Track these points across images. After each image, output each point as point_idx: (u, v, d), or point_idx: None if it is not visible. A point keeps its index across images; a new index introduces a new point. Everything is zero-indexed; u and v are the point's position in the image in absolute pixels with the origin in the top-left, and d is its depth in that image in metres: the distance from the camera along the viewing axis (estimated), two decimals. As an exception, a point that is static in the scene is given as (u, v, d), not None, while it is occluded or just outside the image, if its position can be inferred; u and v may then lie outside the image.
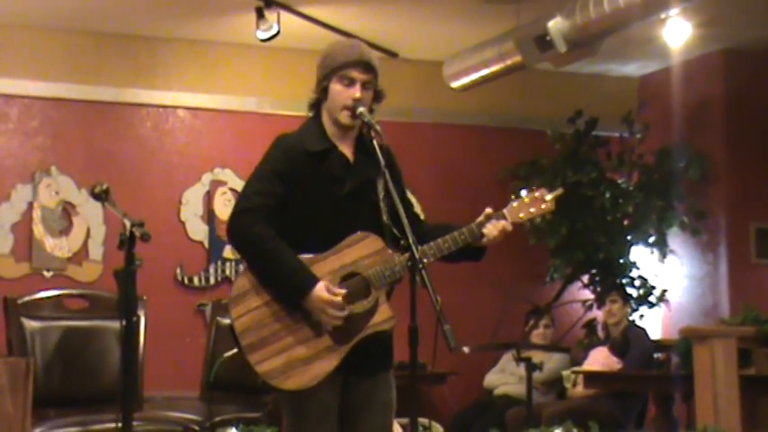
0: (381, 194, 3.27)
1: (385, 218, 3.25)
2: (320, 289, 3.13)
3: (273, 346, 3.15)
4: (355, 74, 3.25)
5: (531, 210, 3.32)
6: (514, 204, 3.33)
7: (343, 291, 3.16)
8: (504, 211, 3.31)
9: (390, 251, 3.22)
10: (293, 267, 3.15)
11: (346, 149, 3.32)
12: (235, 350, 3.22)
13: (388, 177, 3.19)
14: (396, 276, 3.19)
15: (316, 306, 3.13)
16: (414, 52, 7.45)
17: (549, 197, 3.33)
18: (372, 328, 3.19)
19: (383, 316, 3.20)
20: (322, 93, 3.30)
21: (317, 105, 3.35)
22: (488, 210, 3.31)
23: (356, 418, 3.28)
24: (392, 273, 3.18)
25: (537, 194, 3.34)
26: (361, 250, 3.21)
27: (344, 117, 3.26)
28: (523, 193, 3.36)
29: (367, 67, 3.27)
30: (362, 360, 3.20)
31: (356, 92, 3.24)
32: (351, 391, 3.26)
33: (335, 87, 3.26)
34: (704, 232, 7.48)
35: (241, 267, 6.80)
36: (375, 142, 3.25)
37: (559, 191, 3.38)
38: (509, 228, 3.28)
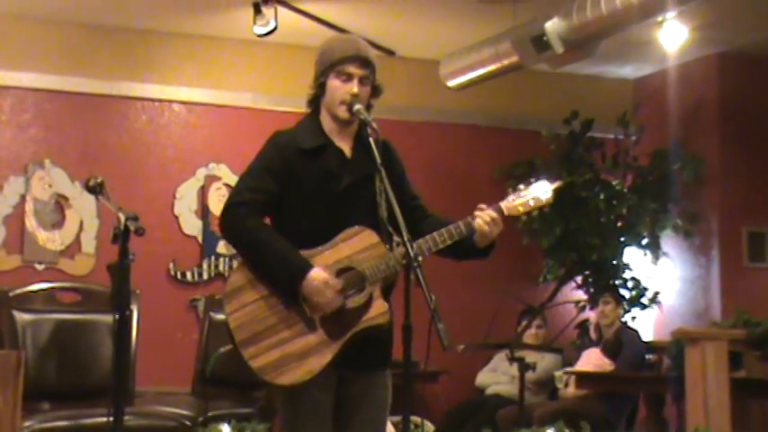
0: (378, 190, 3.26)
1: (382, 212, 3.24)
2: (317, 271, 3.13)
3: (267, 342, 3.14)
4: (353, 69, 3.24)
5: (530, 202, 3.31)
6: (512, 197, 3.32)
7: (340, 282, 3.15)
8: (502, 203, 3.30)
9: (385, 246, 3.22)
10: (287, 254, 3.15)
11: (344, 145, 3.31)
12: (230, 346, 3.22)
13: (384, 174, 3.17)
14: (391, 271, 3.18)
15: (313, 289, 3.12)
16: (411, 51, 7.44)
17: (547, 189, 3.32)
18: (366, 323, 3.18)
19: (377, 310, 3.19)
20: (320, 88, 3.29)
21: (314, 101, 3.34)
22: (482, 205, 3.29)
23: (350, 414, 3.27)
24: (387, 267, 3.18)
25: (534, 186, 3.33)
26: (357, 244, 3.20)
27: (342, 112, 3.26)
28: (522, 186, 3.34)
29: (365, 62, 3.26)
30: (358, 356, 3.20)
31: (354, 87, 3.23)
32: (346, 386, 3.26)
33: (333, 83, 3.26)
34: (697, 235, 7.49)
35: (235, 263, 6.83)
36: (371, 139, 3.24)
37: (559, 183, 3.35)
38: (494, 214, 3.23)
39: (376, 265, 3.18)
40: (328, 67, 3.26)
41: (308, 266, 3.13)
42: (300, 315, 3.16)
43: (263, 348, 3.14)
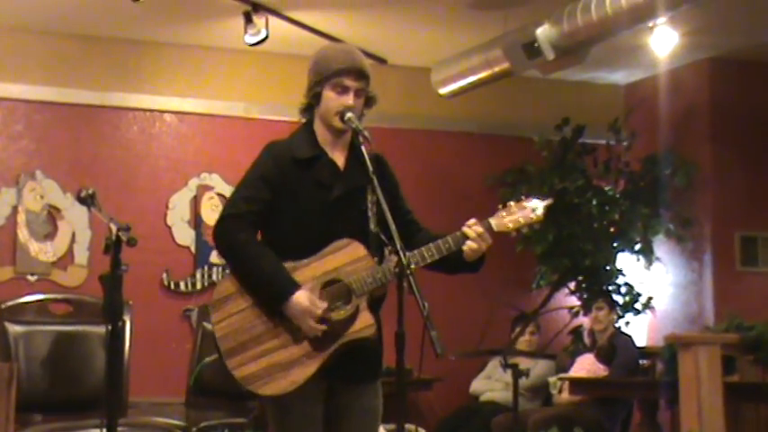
0: (370, 203, 3.26)
1: (372, 225, 3.24)
2: (300, 296, 3.12)
3: (252, 351, 3.14)
4: (349, 82, 3.24)
5: (520, 219, 3.29)
6: (502, 213, 3.30)
7: (325, 304, 3.14)
8: (491, 219, 3.28)
9: (373, 259, 3.21)
10: (274, 273, 3.14)
11: (338, 156, 3.31)
12: (216, 355, 3.22)
13: (377, 184, 3.17)
14: (378, 284, 3.18)
15: (295, 313, 3.12)
16: (402, 58, 7.45)
17: (539, 206, 3.30)
18: (352, 335, 3.17)
19: (363, 323, 3.18)
20: (314, 98, 3.29)
21: (308, 110, 3.33)
22: (472, 220, 3.28)
23: (340, 424, 3.27)
24: (374, 280, 3.17)
25: (525, 203, 3.31)
26: (344, 257, 3.20)
27: (337, 122, 3.26)
28: (512, 202, 3.33)
29: (360, 74, 3.26)
30: (347, 368, 3.20)
31: (349, 99, 3.23)
32: (335, 398, 3.25)
33: (329, 94, 3.25)
34: (690, 240, 7.50)
35: (222, 275, 6.82)
36: (363, 149, 3.24)
37: (549, 201, 3.33)
38: (481, 230, 3.23)
39: (363, 278, 3.17)
40: (324, 78, 3.25)
41: (292, 288, 3.12)
42: (286, 326, 3.16)
43: (247, 358, 3.13)
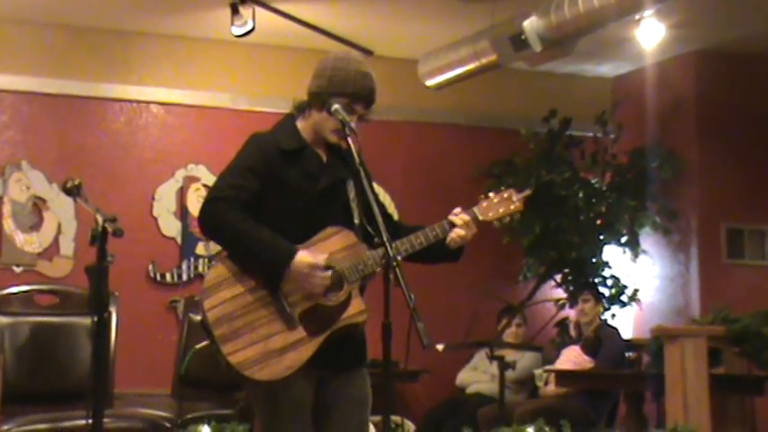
0: (352, 195, 3.29)
1: (356, 217, 3.27)
2: (303, 254, 3.14)
3: (247, 337, 3.14)
4: (359, 108, 3.28)
5: (500, 210, 3.38)
6: (484, 204, 3.38)
7: (325, 255, 3.15)
8: (475, 209, 3.36)
9: (363, 245, 3.24)
10: (272, 240, 3.15)
11: (320, 151, 3.34)
12: (206, 342, 3.21)
13: (363, 175, 3.20)
14: (369, 270, 3.20)
15: (301, 272, 3.12)
16: (389, 50, 7.44)
17: (516, 198, 3.40)
18: (346, 321, 3.20)
19: (356, 308, 3.21)
20: (316, 103, 3.27)
21: (304, 108, 3.32)
22: (457, 209, 3.35)
23: (329, 414, 3.28)
24: (365, 267, 3.20)
25: (505, 195, 3.40)
26: (335, 244, 3.22)
27: (331, 137, 3.28)
28: (492, 193, 3.42)
29: (371, 102, 3.30)
30: (335, 356, 3.21)
31: (352, 122, 3.24)
32: (324, 386, 3.27)
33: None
34: (676, 232, 7.53)
35: (213, 262, 6.81)
36: (350, 140, 3.24)
37: (527, 192, 3.44)
38: (467, 218, 3.30)
39: (354, 265, 3.20)
40: (336, 94, 3.25)
41: (294, 250, 3.14)
42: (280, 312, 3.17)
43: (242, 343, 3.13)
